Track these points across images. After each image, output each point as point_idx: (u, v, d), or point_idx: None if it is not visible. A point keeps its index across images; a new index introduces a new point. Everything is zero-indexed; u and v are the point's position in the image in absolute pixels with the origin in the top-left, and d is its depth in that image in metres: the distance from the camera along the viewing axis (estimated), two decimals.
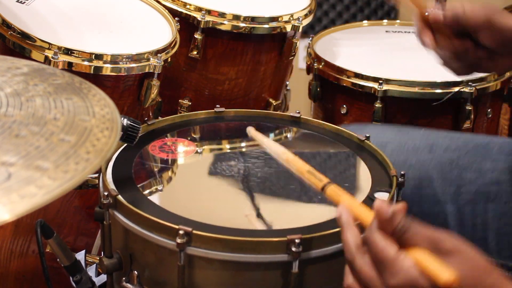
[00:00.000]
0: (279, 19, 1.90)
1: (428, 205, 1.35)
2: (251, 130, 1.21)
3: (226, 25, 1.85)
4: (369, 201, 1.15)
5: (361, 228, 0.91)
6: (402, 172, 1.19)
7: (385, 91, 1.83)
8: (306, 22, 1.96)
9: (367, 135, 1.32)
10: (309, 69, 2.02)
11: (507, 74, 1.91)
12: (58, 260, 1.19)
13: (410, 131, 1.47)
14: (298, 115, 1.40)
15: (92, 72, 1.54)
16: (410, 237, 0.85)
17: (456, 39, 1.19)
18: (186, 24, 1.84)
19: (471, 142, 1.40)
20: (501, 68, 1.23)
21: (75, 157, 0.80)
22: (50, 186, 0.75)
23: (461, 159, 1.37)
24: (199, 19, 1.83)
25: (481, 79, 1.85)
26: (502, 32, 1.15)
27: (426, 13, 1.20)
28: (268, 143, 1.17)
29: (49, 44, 1.52)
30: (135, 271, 1.12)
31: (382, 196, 1.16)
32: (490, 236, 1.32)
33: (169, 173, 1.26)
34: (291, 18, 1.92)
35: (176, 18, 1.80)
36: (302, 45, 2.29)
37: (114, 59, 1.57)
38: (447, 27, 1.19)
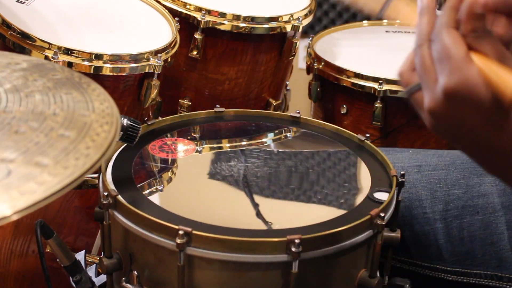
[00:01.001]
0: (279, 19, 1.90)
1: (419, 225, 1.36)
2: None
3: (226, 25, 1.85)
4: (368, 201, 1.15)
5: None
6: (402, 172, 1.19)
7: (385, 91, 1.82)
8: (306, 22, 1.96)
9: (367, 135, 1.32)
10: (309, 69, 2.02)
11: None
12: (58, 260, 1.19)
13: (398, 152, 1.48)
14: (298, 115, 1.40)
15: (92, 72, 1.54)
16: (483, 43, 0.77)
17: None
18: (186, 24, 1.84)
19: (458, 159, 1.41)
20: None
21: (75, 152, 0.80)
22: (50, 182, 0.75)
23: (449, 176, 1.38)
24: (199, 19, 1.83)
25: None
26: None
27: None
28: None
29: (49, 44, 1.52)
30: (135, 271, 1.12)
31: (382, 196, 1.16)
32: (477, 248, 1.33)
33: (169, 173, 1.26)
34: (291, 18, 1.92)
35: (176, 18, 1.80)
36: (302, 45, 2.29)
37: (114, 59, 1.56)
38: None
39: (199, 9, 1.84)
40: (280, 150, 1.36)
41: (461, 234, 1.35)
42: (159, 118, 1.40)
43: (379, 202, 1.14)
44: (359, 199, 1.16)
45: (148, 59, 1.61)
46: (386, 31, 2.20)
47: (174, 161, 1.28)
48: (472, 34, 0.78)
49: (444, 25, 0.79)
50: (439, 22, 0.80)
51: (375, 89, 1.83)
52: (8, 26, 1.54)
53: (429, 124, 0.83)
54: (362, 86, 1.86)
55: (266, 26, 1.88)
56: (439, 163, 1.41)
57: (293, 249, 1.01)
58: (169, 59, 1.66)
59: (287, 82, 2.16)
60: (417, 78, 0.82)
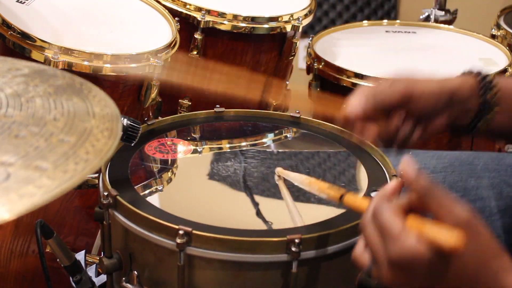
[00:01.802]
0: (279, 19, 1.90)
1: None
2: (279, 171, 1.23)
3: (226, 25, 1.85)
4: None
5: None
6: (402, 172, 1.18)
7: None
8: (306, 22, 1.96)
9: None
10: (309, 69, 2.02)
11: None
12: (58, 260, 1.19)
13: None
14: (298, 115, 1.40)
15: (92, 72, 1.54)
16: (429, 204, 0.86)
17: (386, 120, 1.17)
18: (186, 24, 1.84)
19: (456, 161, 1.41)
20: (433, 131, 1.23)
21: (74, 157, 0.80)
22: (49, 186, 0.75)
23: (447, 178, 1.38)
24: (199, 19, 1.83)
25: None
26: (425, 97, 1.15)
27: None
28: (294, 176, 1.21)
29: (49, 44, 1.52)
30: (135, 271, 1.12)
31: None
32: None
33: (168, 173, 1.26)
34: (291, 18, 1.92)
35: (176, 18, 1.80)
36: (302, 45, 2.30)
37: (114, 59, 1.56)
38: (371, 116, 1.16)
39: (199, 9, 1.85)
40: (279, 150, 1.37)
41: None
42: (159, 118, 1.40)
43: None
44: None
45: (148, 59, 1.61)
46: (386, 31, 2.20)
47: (173, 161, 1.28)
48: (417, 196, 0.88)
49: (381, 202, 0.89)
50: (377, 201, 0.89)
51: None
52: (8, 26, 1.54)
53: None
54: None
55: (266, 26, 1.88)
56: (437, 165, 1.42)
57: (293, 249, 1.02)
58: (169, 59, 1.66)
59: (287, 82, 2.16)
60: (369, 258, 0.91)
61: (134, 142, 1.18)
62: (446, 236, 0.82)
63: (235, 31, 1.86)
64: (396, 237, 0.85)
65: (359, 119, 1.16)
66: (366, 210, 0.92)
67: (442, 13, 2.42)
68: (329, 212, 1.14)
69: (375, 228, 0.89)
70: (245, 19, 1.86)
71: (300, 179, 1.18)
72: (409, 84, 1.16)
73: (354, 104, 1.16)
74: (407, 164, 0.89)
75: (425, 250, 0.83)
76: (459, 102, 1.16)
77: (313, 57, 1.98)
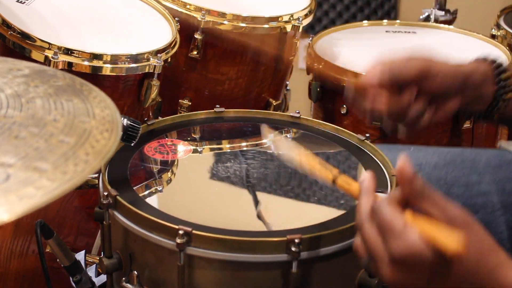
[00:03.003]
0: (279, 19, 1.90)
1: None
2: (264, 128, 1.20)
3: (226, 25, 1.85)
4: None
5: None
6: None
7: None
8: (306, 22, 1.96)
9: (367, 134, 1.33)
10: (309, 69, 2.02)
11: None
12: (58, 260, 1.19)
13: (400, 150, 1.48)
14: (298, 115, 1.40)
15: (92, 72, 1.54)
16: (424, 203, 0.87)
17: (398, 96, 1.17)
18: (186, 24, 1.83)
19: (458, 157, 1.41)
20: (445, 114, 1.23)
21: (74, 158, 0.80)
22: (49, 187, 0.75)
23: (449, 175, 1.38)
24: (199, 19, 1.83)
25: None
26: (441, 76, 1.16)
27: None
28: (282, 145, 1.19)
29: (49, 44, 1.52)
30: (135, 271, 1.12)
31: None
32: None
33: (168, 173, 1.26)
34: (291, 18, 1.92)
35: (176, 18, 1.80)
36: (302, 45, 2.29)
37: (114, 59, 1.56)
38: (385, 88, 1.17)
39: (199, 9, 1.84)
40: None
41: None
42: (159, 118, 1.40)
43: None
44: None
45: (148, 59, 1.61)
46: (386, 31, 2.20)
47: (172, 162, 1.28)
48: (412, 195, 0.88)
49: (383, 201, 0.88)
50: (379, 200, 0.89)
51: None
52: (8, 26, 1.54)
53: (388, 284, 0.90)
54: None
55: (266, 26, 1.88)
56: (439, 161, 1.41)
57: (293, 249, 1.02)
58: (169, 59, 1.66)
59: (287, 82, 2.16)
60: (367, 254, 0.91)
61: (134, 142, 1.18)
62: (448, 239, 0.82)
63: (235, 31, 1.86)
64: (399, 233, 0.85)
65: (373, 88, 1.15)
66: (359, 198, 0.92)
67: (442, 13, 2.42)
68: (329, 212, 1.14)
69: (374, 225, 0.88)
70: (245, 19, 1.86)
71: (289, 153, 1.11)
72: (426, 62, 1.17)
73: (371, 73, 1.15)
74: (403, 163, 0.89)
75: (428, 249, 0.83)
76: (473, 87, 1.17)
77: (313, 57, 1.98)
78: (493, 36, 2.20)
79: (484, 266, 0.86)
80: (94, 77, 1.55)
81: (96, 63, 1.55)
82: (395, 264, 0.86)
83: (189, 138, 1.35)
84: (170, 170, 1.27)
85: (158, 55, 1.62)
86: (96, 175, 1.21)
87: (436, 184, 1.38)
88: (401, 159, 0.90)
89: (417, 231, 0.84)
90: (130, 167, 1.21)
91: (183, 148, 1.31)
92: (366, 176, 0.94)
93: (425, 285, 0.86)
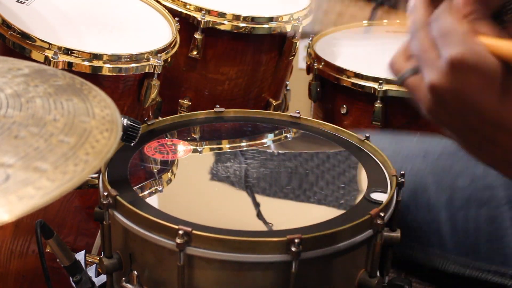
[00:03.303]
0: (279, 19, 1.90)
1: (423, 213, 1.35)
2: None
3: (226, 25, 1.86)
4: (365, 201, 1.15)
5: None
6: (402, 172, 1.19)
7: (385, 91, 1.83)
8: (306, 22, 1.96)
9: (367, 135, 1.32)
10: (309, 69, 2.02)
11: None
12: (58, 260, 1.19)
13: (404, 138, 1.47)
14: (298, 115, 1.40)
15: (92, 72, 1.55)
16: (481, 25, 0.77)
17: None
18: (186, 24, 1.84)
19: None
20: None
21: (74, 158, 0.80)
22: (49, 188, 0.75)
23: (454, 165, 1.37)
24: (199, 19, 1.83)
25: None
26: None
27: None
28: None
29: (49, 44, 1.52)
30: (135, 271, 1.12)
31: (377, 197, 1.16)
32: (482, 241, 1.32)
33: (168, 174, 1.26)
34: (291, 18, 1.92)
35: (176, 18, 1.80)
36: (302, 45, 2.30)
37: (114, 59, 1.57)
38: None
39: (199, 9, 1.85)
40: (280, 151, 1.37)
41: (466, 226, 1.33)
42: (159, 118, 1.40)
43: (375, 202, 1.14)
44: (358, 199, 1.16)
45: (148, 59, 1.61)
46: (386, 31, 2.20)
47: (173, 162, 1.28)
48: (470, 17, 0.78)
49: (443, 9, 0.79)
50: (438, 10, 0.80)
51: (375, 89, 1.83)
52: (8, 26, 1.54)
53: (428, 105, 0.81)
54: (362, 86, 1.86)
55: (266, 26, 1.88)
56: (444, 151, 1.39)
57: (293, 249, 1.01)
58: (169, 59, 1.66)
59: (287, 82, 2.16)
60: (410, 65, 0.82)
61: (134, 142, 1.18)
62: None
63: (235, 31, 1.86)
64: (463, 38, 0.74)
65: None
66: (417, 14, 0.81)
67: None
68: (329, 213, 1.14)
69: (435, 29, 0.77)
70: (245, 19, 1.86)
71: None
72: None
73: None
74: None
75: (494, 59, 0.73)
76: None
77: (313, 57, 1.98)
78: None
79: None
80: (94, 77, 1.55)
81: (96, 63, 1.55)
82: (451, 68, 0.74)
83: (189, 138, 1.35)
84: (170, 170, 1.27)
85: (158, 55, 1.62)
86: (96, 175, 1.21)
87: (441, 174, 1.36)
88: None
89: (483, 40, 0.74)
90: (130, 167, 1.21)
91: (183, 148, 1.31)
92: None
93: (480, 105, 0.75)
